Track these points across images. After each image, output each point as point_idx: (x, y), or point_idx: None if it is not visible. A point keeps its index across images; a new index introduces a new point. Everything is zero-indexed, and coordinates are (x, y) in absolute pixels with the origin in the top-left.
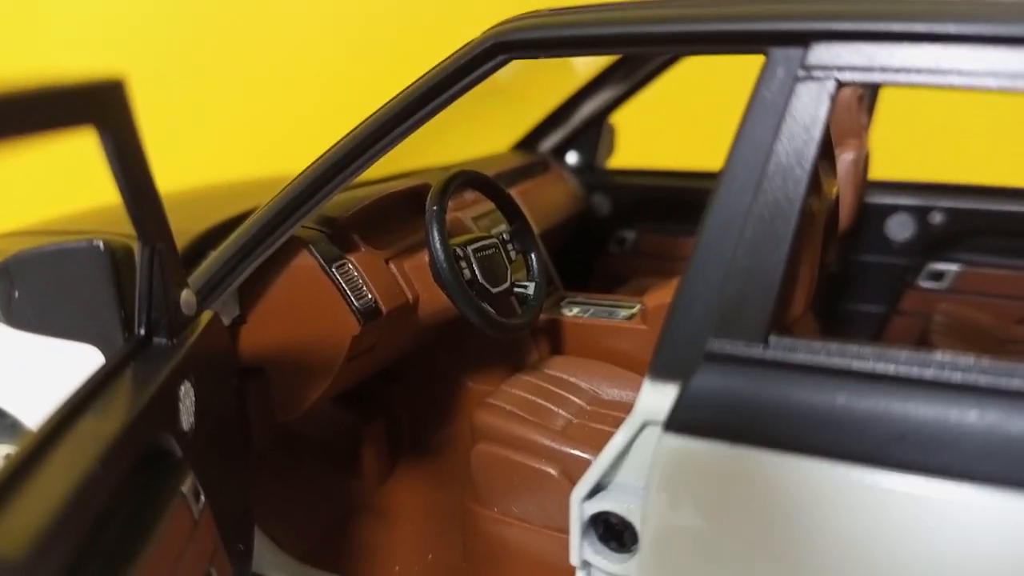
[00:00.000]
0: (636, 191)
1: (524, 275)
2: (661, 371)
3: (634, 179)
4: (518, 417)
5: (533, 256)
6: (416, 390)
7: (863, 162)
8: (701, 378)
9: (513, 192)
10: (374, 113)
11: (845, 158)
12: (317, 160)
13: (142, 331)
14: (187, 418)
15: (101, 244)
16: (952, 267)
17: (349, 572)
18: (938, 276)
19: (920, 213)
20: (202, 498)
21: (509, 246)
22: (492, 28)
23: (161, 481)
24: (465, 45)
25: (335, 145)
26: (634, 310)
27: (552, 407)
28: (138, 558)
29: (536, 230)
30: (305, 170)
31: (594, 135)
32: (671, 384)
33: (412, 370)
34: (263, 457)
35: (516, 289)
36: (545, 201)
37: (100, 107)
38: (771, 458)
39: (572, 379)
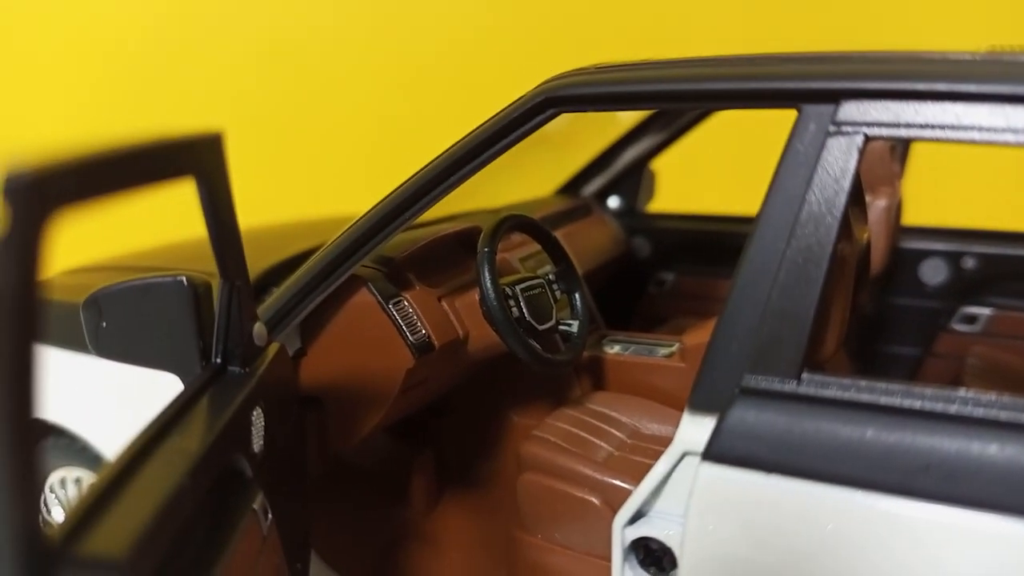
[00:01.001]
0: (675, 234)
1: (568, 314)
2: (700, 405)
3: (673, 223)
4: (562, 449)
5: (577, 296)
6: (463, 423)
7: (896, 209)
8: (737, 411)
9: (557, 234)
10: (431, 161)
11: (878, 205)
12: (377, 204)
13: (218, 360)
14: (257, 441)
15: (184, 280)
16: (985, 311)
17: None
18: (971, 319)
19: (953, 258)
20: (270, 516)
21: (554, 286)
22: (542, 84)
23: (235, 499)
24: (517, 100)
25: (395, 190)
26: (673, 348)
27: (594, 440)
28: (217, 567)
29: (579, 271)
30: (366, 213)
31: (635, 180)
32: (709, 417)
33: (460, 404)
34: (317, 484)
35: (561, 327)
36: (588, 243)
37: (200, 159)
38: (803, 487)
39: (613, 414)
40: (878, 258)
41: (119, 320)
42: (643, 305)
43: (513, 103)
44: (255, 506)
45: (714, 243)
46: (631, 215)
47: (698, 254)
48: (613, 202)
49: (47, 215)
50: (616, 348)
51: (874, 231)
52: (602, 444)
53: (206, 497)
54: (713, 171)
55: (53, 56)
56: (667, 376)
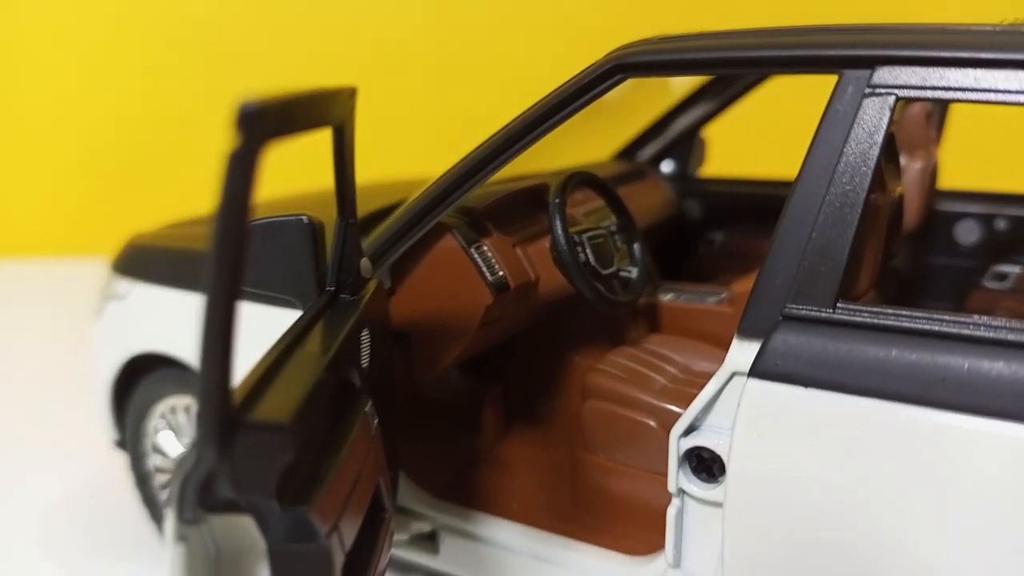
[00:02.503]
0: (725, 197)
1: (628, 262)
2: (747, 331)
3: (723, 187)
4: (622, 379)
5: (636, 246)
6: (530, 363)
7: (931, 171)
8: (780, 335)
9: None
10: (509, 123)
11: (914, 166)
12: (460, 161)
13: (332, 288)
14: (365, 358)
15: (305, 219)
16: (1015, 269)
17: (475, 506)
18: (1002, 277)
19: (986, 220)
20: (376, 420)
21: (616, 237)
22: (612, 52)
23: (351, 402)
24: (588, 66)
25: (475, 149)
26: (722, 296)
27: (650, 373)
28: (342, 451)
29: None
30: (450, 169)
31: (687, 146)
32: (755, 341)
33: (527, 347)
34: (401, 413)
35: (621, 273)
36: (642, 204)
37: (339, 110)
38: (835, 399)
39: (667, 353)
40: (912, 214)
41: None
42: (693, 263)
43: (584, 69)
44: (366, 410)
45: (761, 205)
46: (683, 179)
47: (745, 215)
48: (666, 167)
49: (263, 140)
50: (669, 296)
51: (909, 189)
52: (657, 377)
53: (331, 397)
54: (760, 138)
55: None
56: (716, 321)
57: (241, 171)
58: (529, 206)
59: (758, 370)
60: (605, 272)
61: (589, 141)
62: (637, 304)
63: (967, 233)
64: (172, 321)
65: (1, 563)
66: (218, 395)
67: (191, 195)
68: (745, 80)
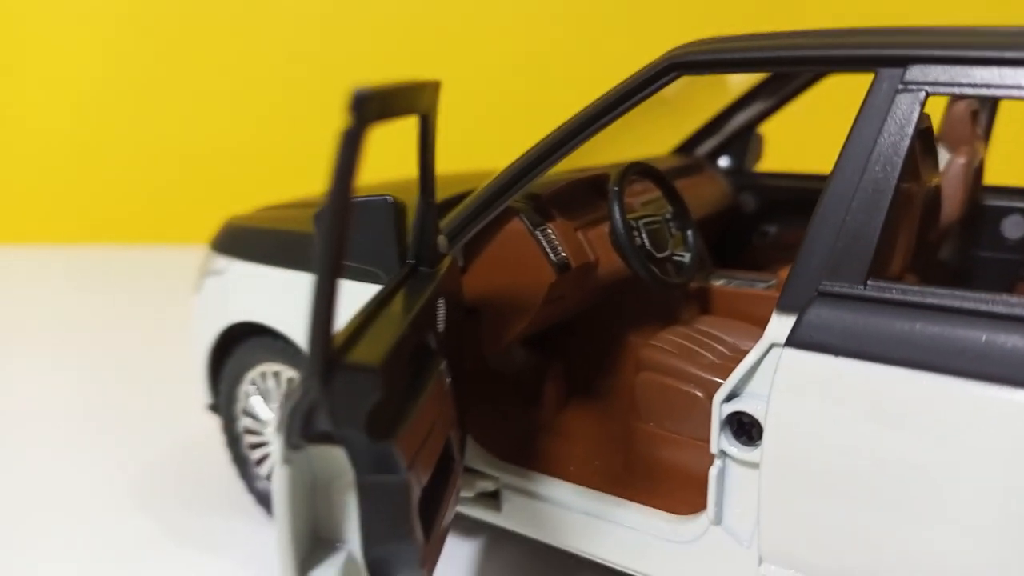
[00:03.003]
0: (779, 191)
1: (682, 247)
2: (785, 306)
3: (777, 181)
4: (674, 354)
5: (689, 233)
6: (589, 341)
7: (974, 166)
8: (815, 309)
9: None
10: (573, 116)
11: (958, 162)
12: (526, 152)
13: (413, 261)
14: (440, 324)
15: (390, 198)
16: None
17: (536, 468)
18: None
19: None
20: (449, 379)
21: (670, 224)
22: (669, 51)
23: (428, 360)
24: (646, 65)
25: (540, 141)
26: (771, 283)
27: (700, 350)
28: (420, 399)
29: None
30: (518, 159)
31: (744, 142)
32: (792, 315)
33: (586, 325)
34: (469, 383)
35: (675, 257)
36: (698, 196)
37: (425, 100)
38: (863, 367)
39: (717, 333)
40: (954, 207)
41: None
42: (747, 253)
43: (643, 67)
44: (440, 368)
45: (813, 199)
46: (739, 174)
47: (798, 208)
48: (723, 162)
49: (370, 122)
50: (721, 281)
51: (952, 183)
52: (706, 353)
53: (411, 353)
54: (815, 135)
55: None
56: (764, 305)
57: (351, 147)
58: (591, 194)
59: (794, 340)
60: (659, 256)
61: (650, 136)
62: (690, 288)
63: (1014, 228)
64: (265, 294)
65: (102, 514)
66: (322, 340)
67: (265, 185)
68: (800, 79)
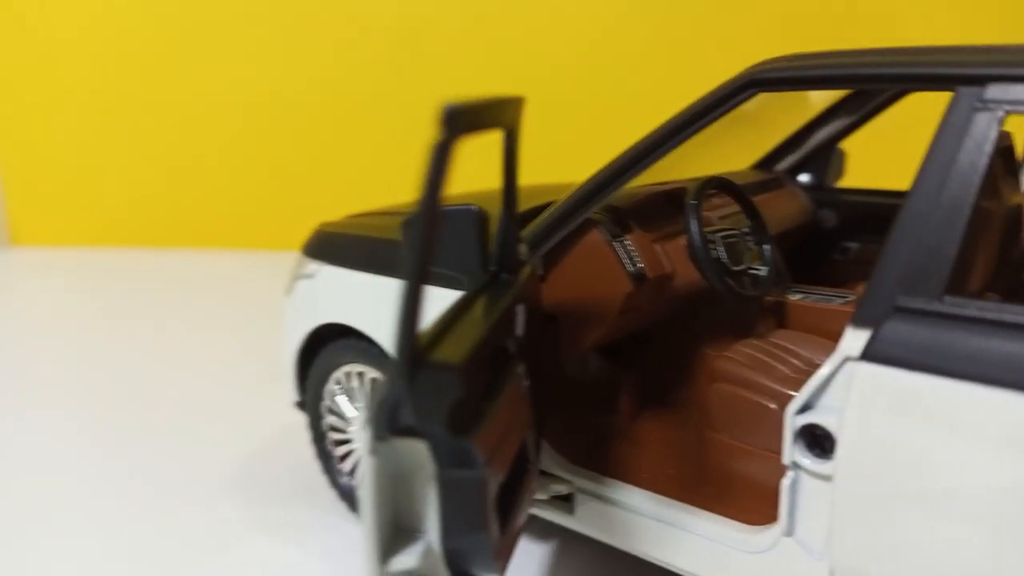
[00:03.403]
0: (860, 208)
1: (759, 261)
2: (860, 320)
3: (859, 197)
4: (748, 366)
5: (766, 248)
6: (664, 351)
7: None
8: (890, 324)
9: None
10: (652, 130)
11: None
12: (606, 165)
13: (495, 268)
14: (519, 329)
15: (475, 208)
16: None
17: (609, 474)
18: None
19: None
20: (527, 383)
21: (748, 238)
22: (748, 68)
23: (507, 363)
24: (725, 81)
25: (619, 155)
26: (848, 298)
27: (774, 363)
28: (498, 400)
29: (771, 232)
30: (597, 172)
31: (825, 158)
32: (867, 329)
33: (662, 336)
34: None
35: (751, 271)
36: (778, 211)
37: (509, 115)
38: (937, 382)
39: (792, 347)
40: None
41: None
42: (827, 270)
43: (722, 84)
44: (519, 372)
45: (894, 216)
46: (820, 190)
47: (879, 225)
48: (804, 178)
49: (459, 134)
50: (798, 296)
51: None
52: (780, 367)
53: (491, 356)
54: (898, 152)
55: None
56: (841, 321)
57: (441, 158)
58: (669, 207)
59: (869, 354)
60: (735, 268)
61: (729, 152)
62: (766, 302)
63: None
64: (352, 297)
65: (191, 501)
66: (408, 339)
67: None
68: (882, 96)
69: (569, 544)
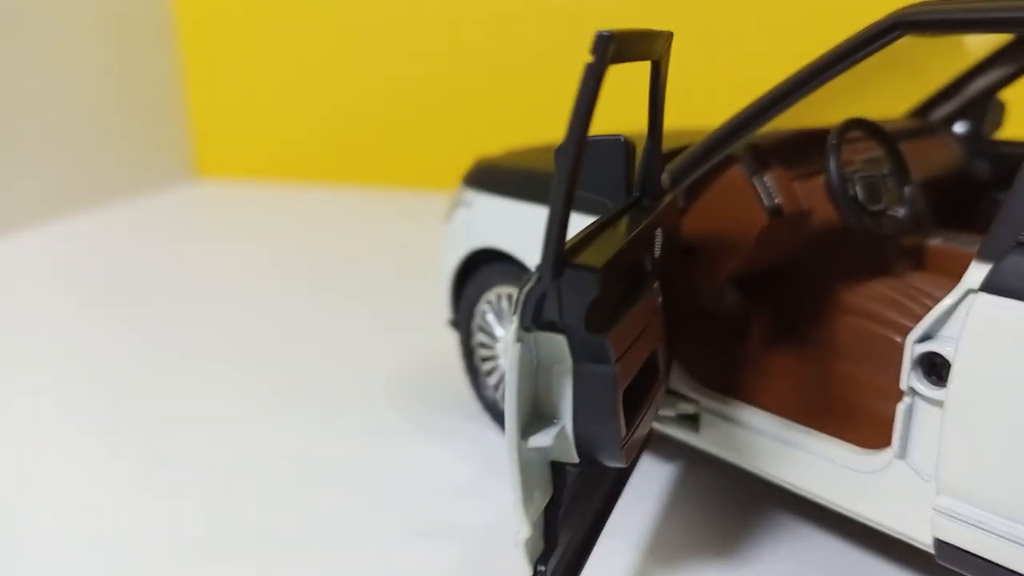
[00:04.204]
0: (1016, 160)
1: (898, 203)
2: (984, 255)
3: (1017, 149)
4: (878, 301)
5: (907, 190)
6: (799, 288)
7: None
8: (1012, 257)
9: (900, 146)
10: (796, 71)
11: None
12: (749, 104)
13: (637, 194)
14: (657, 250)
15: (622, 138)
16: None
17: (735, 396)
18: None
19: None
20: (660, 299)
21: (888, 180)
22: (895, 11)
23: (642, 278)
24: (870, 24)
25: (765, 93)
26: None
27: (905, 301)
28: (633, 308)
29: (915, 178)
30: (740, 111)
31: (982, 108)
32: (989, 263)
33: (798, 274)
34: (683, 317)
35: (889, 212)
36: (926, 158)
37: (659, 48)
38: None
39: (926, 288)
40: None
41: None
42: (975, 220)
43: (867, 26)
44: (653, 287)
45: None
46: (976, 140)
47: None
48: (959, 128)
49: (609, 60)
50: (938, 240)
51: None
52: (911, 305)
53: (628, 268)
54: None
55: None
56: None
57: (592, 81)
58: (812, 147)
59: (988, 286)
60: (873, 209)
61: (885, 100)
62: (905, 244)
63: None
64: (506, 224)
65: (355, 406)
66: (555, 242)
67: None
68: None
69: (693, 467)
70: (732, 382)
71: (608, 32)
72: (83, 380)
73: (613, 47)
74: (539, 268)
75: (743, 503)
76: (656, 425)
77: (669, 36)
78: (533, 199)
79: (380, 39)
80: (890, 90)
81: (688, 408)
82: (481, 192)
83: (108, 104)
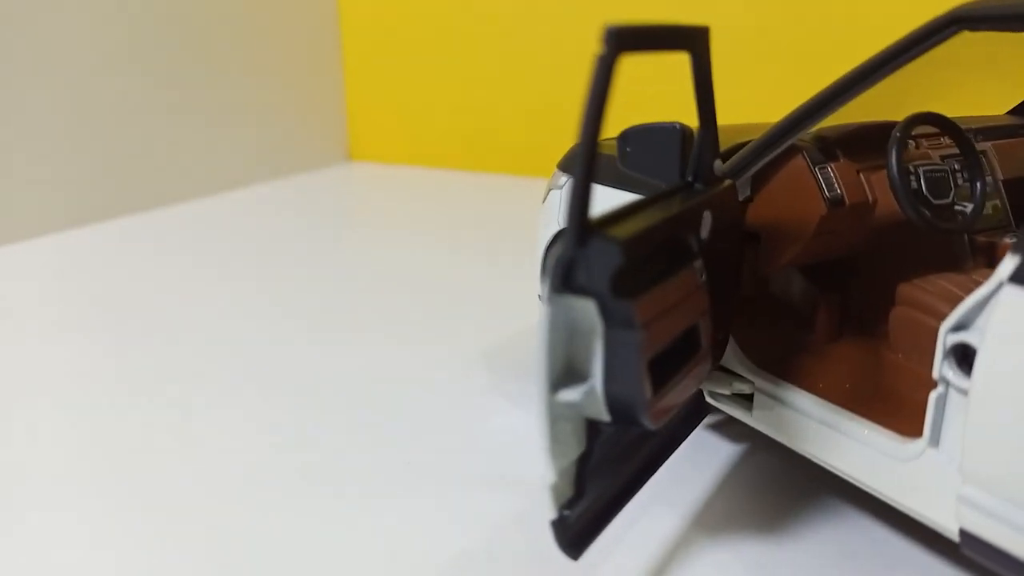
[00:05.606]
0: None
1: (968, 198)
2: (1018, 247)
3: None
4: (934, 294)
5: (978, 185)
6: (863, 278)
7: None
8: None
9: (989, 144)
10: (853, 68)
11: None
12: (814, 95)
13: (690, 178)
14: (704, 232)
15: (678, 125)
16: None
17: (788, 379)
18: None
19: None
20: (704, 276)
21: (958, 174)
22: (953, 8)
23: (684, 255)
24: (928, 21)
25: (831, 84)
26: None
27: (964, 296)
28: (665, 281)
29: (1001, 176)
30: (803, 104)
31: None
32: (1020, 255)
33: (866, 264)
34: (747, 301)
35: (956, 207)
36: (1019, 156)
37: (694, 41)
38: None
39: None
40: None
41: (636, 147)
42: None
43: (924, 23)
44: (696, 265)
45: None
46: None
47: None
48: None
49: (620, 51)
50: (1011, 237)
51: None
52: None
53: (666, 243)
54: None
55: None
56: None
57: (603, 71)
58: (879, 139)
59: (1016, 276)
60: (936, 202)
61: (985, 99)
62: (979, 241)
63: None
64: (594, 207)
65: (452, 370)
66: (580, 214)
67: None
68: None
69: (755, 449)
70: (786, 365)
71: (616, 25)
72: (260, 334)
73: (621, 39)
74: (566, 236)
75: (799, 487)
76: (711, 402)
77: (705, 31)
78: (614, 184)
79: (517, 44)
80: (992, 87)
81: (743, 388)
82: (572, 176)
83: (278, 95)
